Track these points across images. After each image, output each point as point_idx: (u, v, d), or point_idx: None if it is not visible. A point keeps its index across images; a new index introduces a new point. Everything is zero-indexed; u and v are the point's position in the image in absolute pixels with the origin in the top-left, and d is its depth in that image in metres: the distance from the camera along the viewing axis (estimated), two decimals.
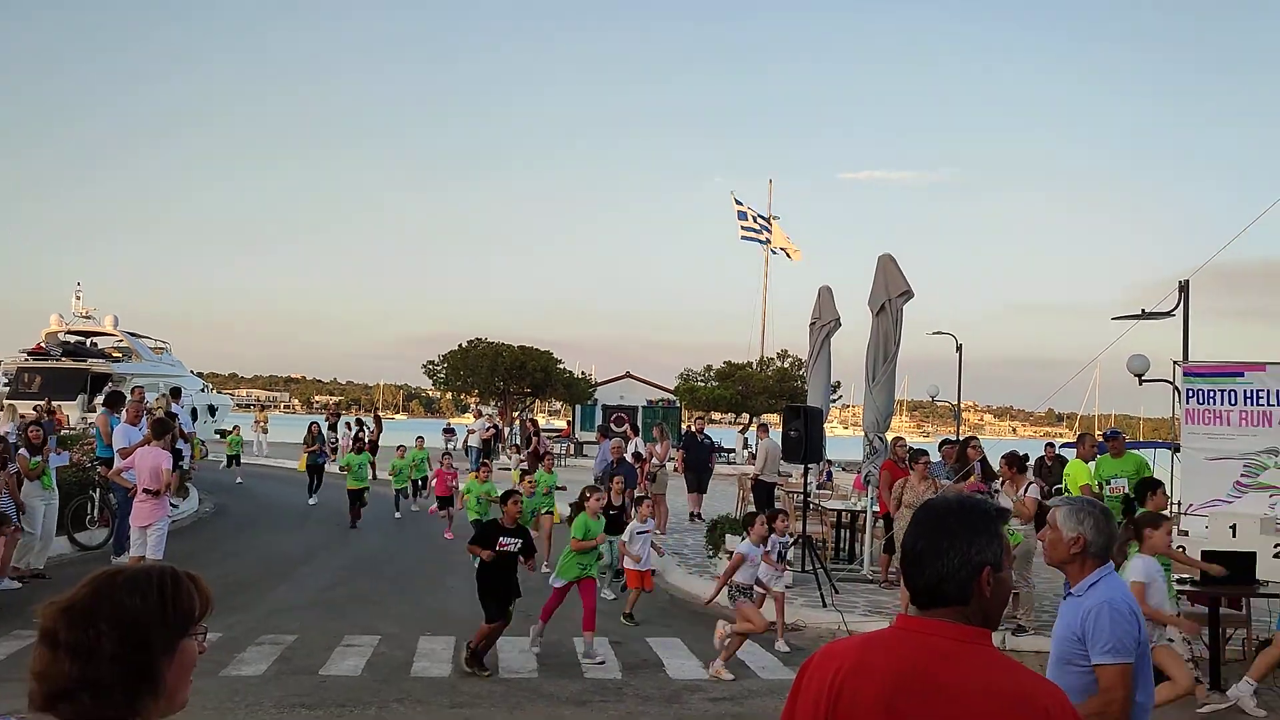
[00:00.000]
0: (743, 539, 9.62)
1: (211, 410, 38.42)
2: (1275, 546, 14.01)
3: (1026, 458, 11.52)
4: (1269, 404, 15.07)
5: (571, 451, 37.48)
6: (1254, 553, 9.23)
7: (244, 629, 9.79)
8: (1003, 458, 11.21)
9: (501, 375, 40.06)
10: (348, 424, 27.44)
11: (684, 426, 43.65)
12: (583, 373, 45.80)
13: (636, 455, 18.37)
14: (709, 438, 19.25)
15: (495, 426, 31.14)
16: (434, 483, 17.84)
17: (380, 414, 29.74)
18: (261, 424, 33.79)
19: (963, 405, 32.58)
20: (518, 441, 29.27)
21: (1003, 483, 11.38)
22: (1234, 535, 13.71)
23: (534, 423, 29.28)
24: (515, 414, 40.69)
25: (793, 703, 2.24)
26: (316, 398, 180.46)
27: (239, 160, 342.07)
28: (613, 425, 37.34)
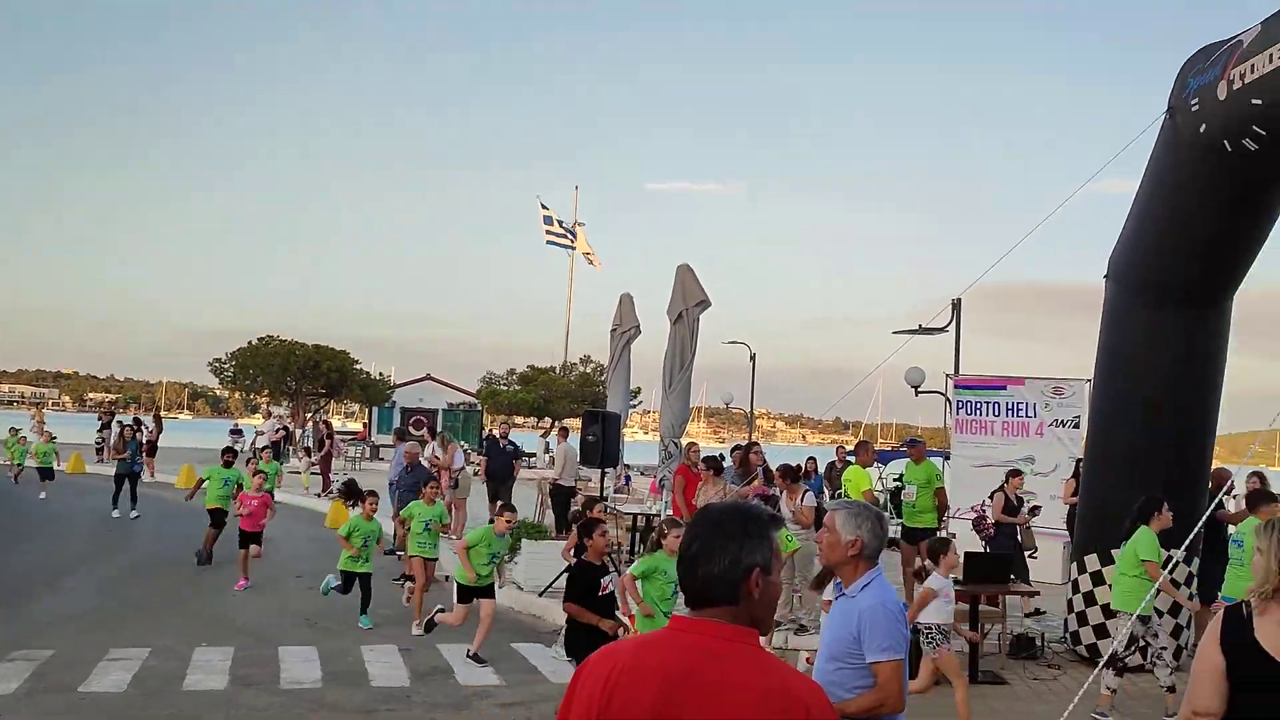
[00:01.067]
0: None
1: None
2: (981, 541, 15.14)
3: (799, 469, 12.03)
4: (1027, 415, 16.33)
5: (367, 455, 36.50)
6: (1009, 554, 9.94)
7: None
8: (778, 470, 11.67)
9: (294, 375, 38.65)
10: (121, 424, 25.73)
11: (485, 430, 43.33)
12: (381, 374, 44.83)
13: (435, 458, 18.10)
14: (513, 443, 18.85)
15: (285, 428, 29.95)
16: (240, 510, 13.09)
17: (161, 414, 28.09)
18: (40, 423, 31.17)
19: (756, 412, 33.73)
20: (309, 444, 28.24)
21: (781, 493, 11.86)
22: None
23: (327, 424, 28.37)
24: (308, 415, 39.29)
25: (568, 702, 2.27)
26: (90, 395, 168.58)
27: None
28: (411, 429, 36.63)
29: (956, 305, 17.38)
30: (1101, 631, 9.55)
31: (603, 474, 13.35)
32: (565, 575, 10.75)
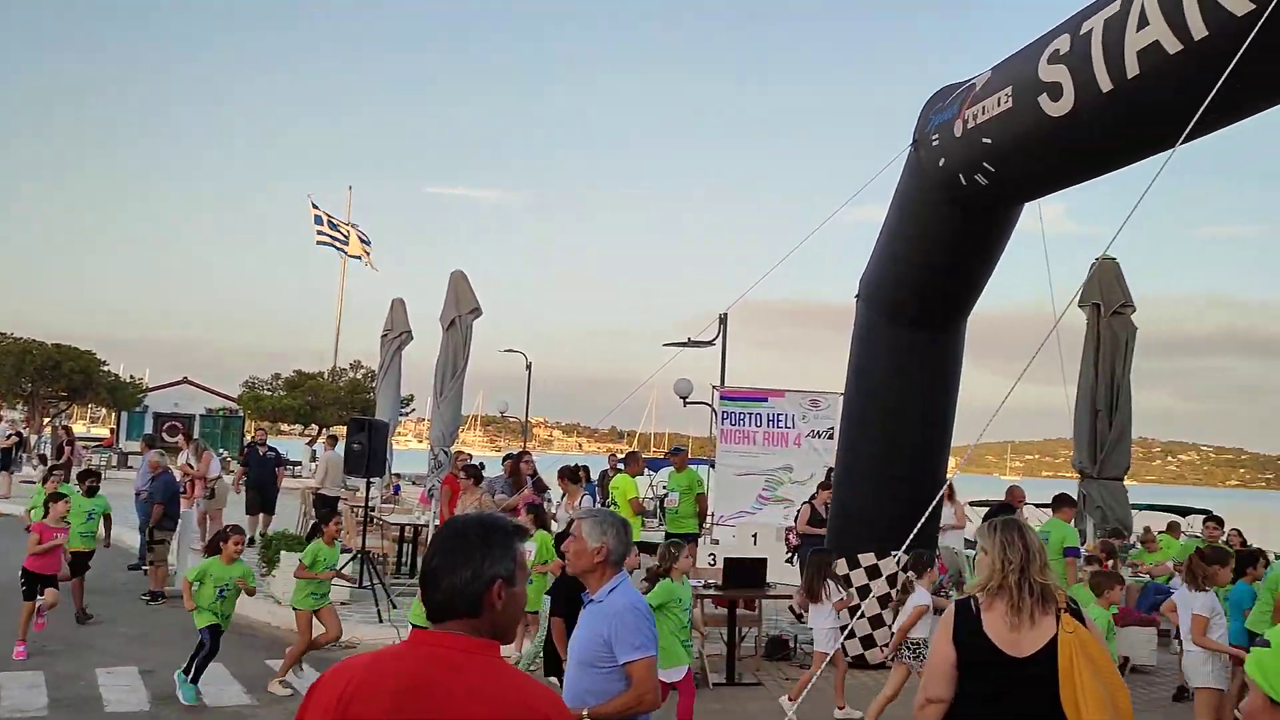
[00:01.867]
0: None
1: None
2: (787, 552, 15.86)
3: (579, 469, 12.16)
4: (787, 426, 17.12)
5: (114, 463, 34.03)
6: (765, 559, 10.37)
7: None
8: (559, 472, 11.81)
9: (30, 375, 35.53)
10: None
11: (248, 437, 41.29)
12: (132, 376, 41.92)
13: (190, 466, 17.08)
14: (274, 450, 17.91)
15: (19, 434, 27.47)
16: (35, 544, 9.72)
17: None
18: None
19: (533, 421, 33.72)
20: (45, 451, 26.04)
21: (563, 496, 11.95)
22: (755, 543, 15.34)
23: (67, 430, 26.26)
24: (47, 420, 36.25)
25: (302, 718, 2.20)
26: None
27: None
28: (164, 435, 34.42)
29: (723, 319, 18.02)
30: (848, 632, 10.12)
31: (368, 484, 12.99)
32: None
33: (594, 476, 20.82)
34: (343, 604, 11.54)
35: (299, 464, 37.59)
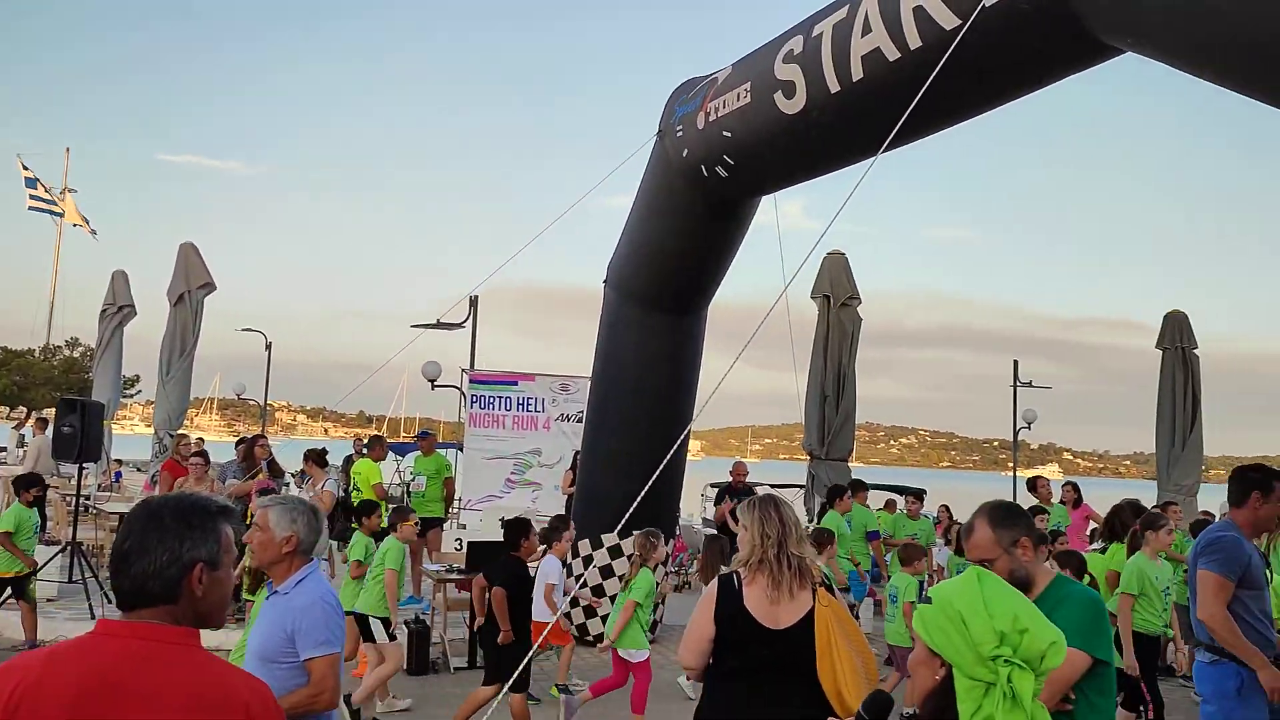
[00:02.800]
0: None
1: None
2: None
3: (324, 452, 11.73)
4: (537, 410, 17.19)
5: None
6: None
7: None
8: (305, 454, 11.36)
9: None
10: None
11: None
12: None
13: None
14: None
15: None
16: None
17: None
18: None
19: (277, 405, 32.17)
20: None
21: (307, 479, 11.47)
22: (502, 527, 15.30)
23: None
24: None
25: None
26: None
27: None
28: None
29: (474, 302, 17.85)
30: (589, 612, 10.29)
31: (80, 470, 11.98)
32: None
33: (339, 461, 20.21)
34: (49, 600, 10.63)
35: (4, 450, 34.19)
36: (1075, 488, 12.31)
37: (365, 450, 13.33)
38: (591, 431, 10.92)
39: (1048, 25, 5.44)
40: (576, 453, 15.15)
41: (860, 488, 11.87)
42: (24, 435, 34.51)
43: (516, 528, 7.37)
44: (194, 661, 2.07)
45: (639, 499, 5.74)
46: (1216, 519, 9.37)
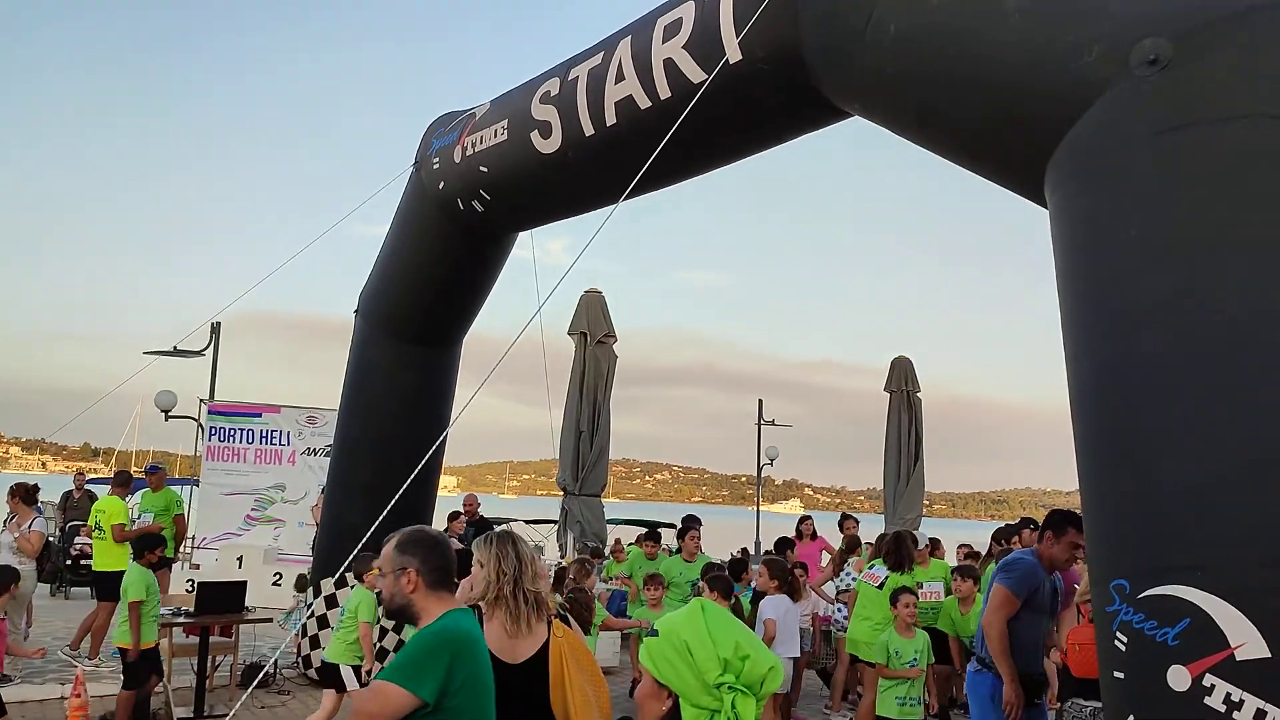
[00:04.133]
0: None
1: None
2: (274, 575, 15.23)
3: (36, 488, 10.75)
4: (281, 443, 16.47)
5: None
6: (245, 581, 9.86)
7: None
8: (10, 490, 10.39)
9: None
10: None
11: None
12: None
13: None
14: None
15: None
16: None
17: None
18: None
19: None
20: None
21: (12, 516, 10.46)
22: (240, 565, 14.56)
23: None
24: None
25: None
26: None
27: None
28: None
29: (215, 328, 16.93)
30: (314, 643, 9.91)
31: None
32: None
33: (54, 498, 18.56)
34: None
35: None
36: (810, 520, 13.06)
37: (107, 486, 12.21)
38: (338, 464, 10.58)
39: (786, 87, 5.81)
40: (323, 487, 14.64)
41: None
42: None
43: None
44: None
45: (372, 530, 5.60)
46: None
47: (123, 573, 9.42)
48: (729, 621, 2.04)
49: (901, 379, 17.13)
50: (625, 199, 6.15)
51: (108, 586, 10.40)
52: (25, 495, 10.51)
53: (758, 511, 25.24)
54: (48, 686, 9.37)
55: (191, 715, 8.75)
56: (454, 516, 14.52)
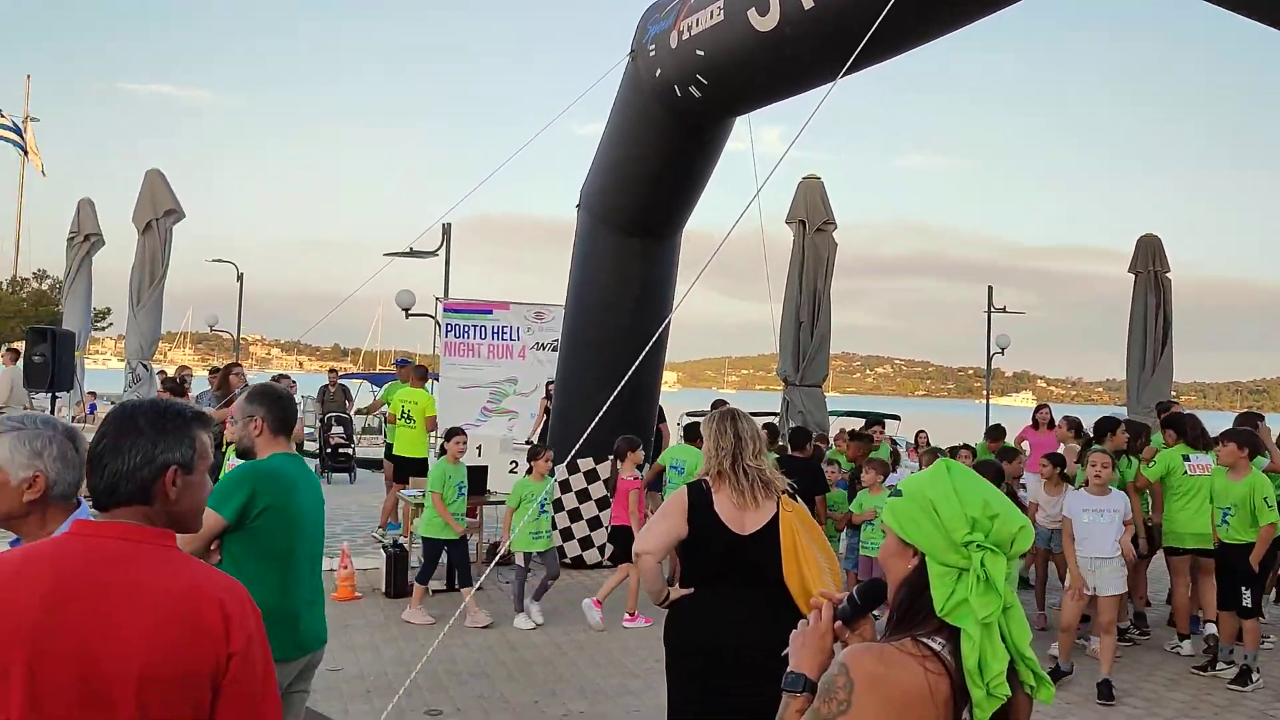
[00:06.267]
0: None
1: None
2: (510, 463, 16.04)
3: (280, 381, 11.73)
4: (511, 339, 17.17)
5: None
6: (486, 466, 10.45)
7: None
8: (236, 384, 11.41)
9: None
10: None
11: None
12: None
13: None
14: None
15: None
16: None
17: None
18: None
19: (253, 339, 31.98)
20: None
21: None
22: (480, 454, 15.40)
23: None
24: None
25: None
26: None
27: None
28: None
29: (446, 230, 17.70)
30: (567, 535, 10.40)
31: (54, 399, 11.91)
32: None
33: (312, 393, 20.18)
34: None
35: None
36: (1048, 409, 12.48)
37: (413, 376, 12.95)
38: (566, 356, 10.94)
39: None
40: (550, 381, 15.20)
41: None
42: None
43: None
44: (169, 560, 2.08)
45: (598, 417, 5.77)
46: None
47: (419, 460, 10.35)
48: (976, 480, 1.97)
49: (1149, 258, 15.96)
50: (847, 73, 5.91)
51: (406, 470, 11.33)
52: (174, 388, 11.36)
53: (987, 404, 24.41)
54: None
55: (444, 587, 9.43)
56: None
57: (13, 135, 39.82)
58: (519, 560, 8.39)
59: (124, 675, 1.92)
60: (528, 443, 13.50)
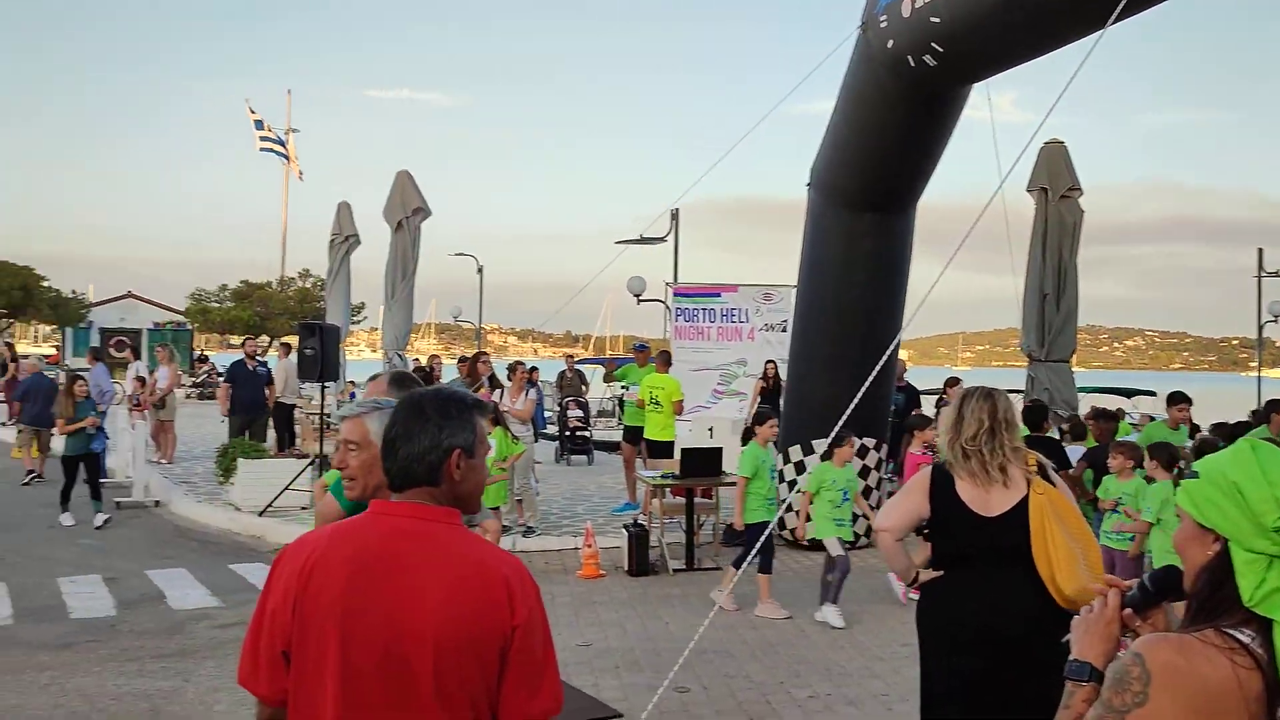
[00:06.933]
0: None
1: None
2: (743, 434, 16.11)
3: (521, 364, 12.22)
4: (740, 321, 17.24)
5: (61, 379, 33.50)
6: (720, 448, 10.52)
7: None
8: (509, 367, 11.91)
9: None
10: None
11: (197, 351, 40.70)
12: (75, 291, 40.93)
13: (140, 380, 16.92)
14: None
15: None
16: None
17: None
18: None
19: (487, 327, 33.53)
20: None
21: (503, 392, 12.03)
22: (711, 435, 15.53)
23: (10, 347, 25.72)
24: None
25: (266, 594, 2.23)
26: None
27: None
28: (112, 350, 33.90)
29: (675, 215, 17.92)
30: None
31: (323, 389, 12.91)
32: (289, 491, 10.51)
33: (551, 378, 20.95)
34: (303, 509, 11.60)
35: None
36: None
37: (653, 362, 13.31)
38: (799, 336, 10.87)
39: None
40: (769, 361, 15.16)
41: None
42: (269, 362, 37.46)
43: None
44: (457, 537, 2.23)
45: (852, 406, 5.68)
46: None
47: (667, 443, 10.64)
48: None
49: None
50: (1115, 20, 5.54)
51: (656, 452, 11.68)
52: (425, 377, 11.86)
53: (1258, 377, 22.46)
54: (563, 538, 10.72)
55: (683, 566, 9.61)
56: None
57: (277, 147, 43.34)
58: (833, 548, 8.12)
59: (422, 643, 2.08)
60: (747, 424, 13.58)
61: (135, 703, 6.04)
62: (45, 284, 37.54)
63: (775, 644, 7.37)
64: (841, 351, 10.22)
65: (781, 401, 14.69)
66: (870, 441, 10.34)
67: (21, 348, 36.71)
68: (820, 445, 10.36)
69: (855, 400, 5.71)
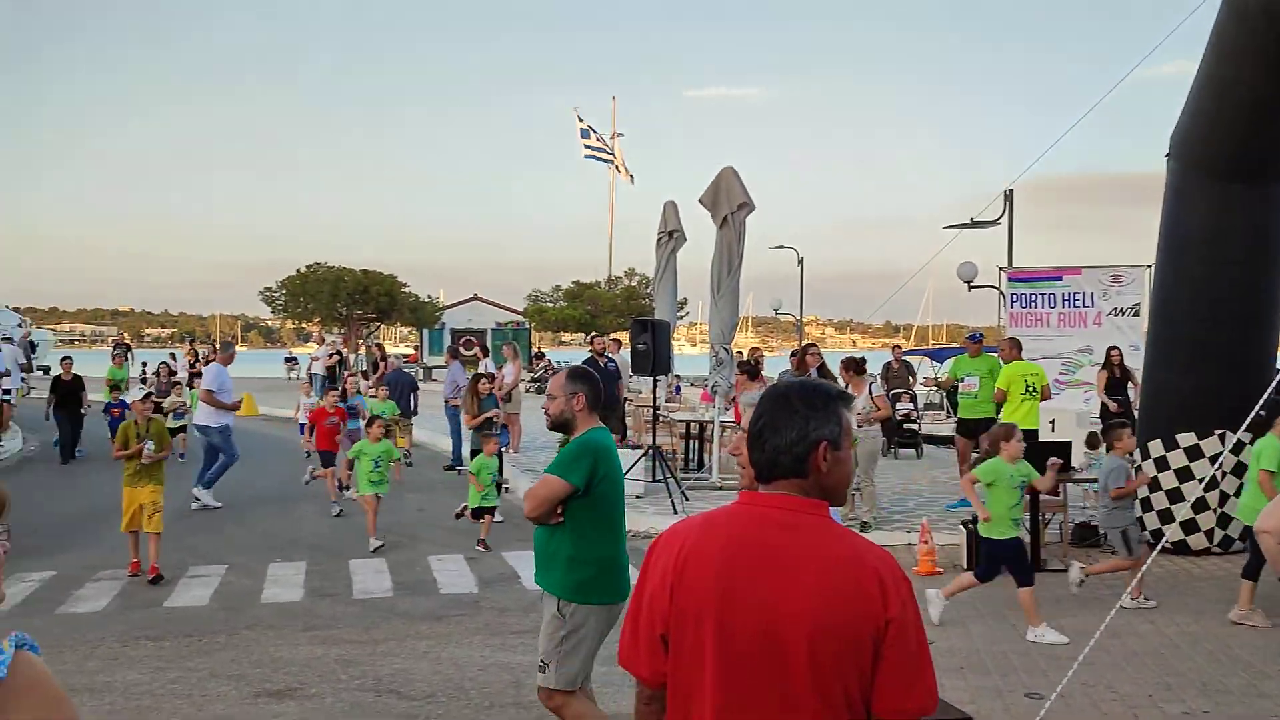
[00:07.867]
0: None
1: (32, 346, 36.26)
2: (1088, 438, 15.03)
3: (864, 361, 11.93)
4: (1085, 305, 16.09)
5: (421, 376, 36.97)
6: (1069, 442, 9.87)
7: (79, 566, 9.41)
8: (842, 363, 11.64)
9: (344, 300, 38.96)
10: (173, 355, 26.21)
11: (534, 348, 43.56)
12: (429, 296, 45.02)
13: (489, 376, 18.28)
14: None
15: (339, 352, 30.35)
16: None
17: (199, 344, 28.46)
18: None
19: (805, 319, 33.46)
20: (364, 368, 28.56)
21: (846, 387, 11.80)
22: (1053, 429, 14.61)
23: (380, 347, 28.67)
24: (360, 340, 39.78)
25: (644, 580, 2.31)
26: (147, 330, 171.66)
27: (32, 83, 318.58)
28: (462, 349, 36.93)
29: (1008, 196, 17.01)
30: (1166, 517, 9.48)
31: (655, 383, 13.37)
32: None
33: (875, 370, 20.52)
34: (637, 498, 12.05)
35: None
36: None
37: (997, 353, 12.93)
38: (1157, 320, 9.97)
39: None
40: (1112, 348, 13.96)
41: None
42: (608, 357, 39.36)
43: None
44: (828, 529, 2.21)
45: (1262, 399, 5.10)
46: None
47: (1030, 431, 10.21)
48: None
49: None
50: None
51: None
52: (856, 368, 11.70)
53: None
54: (895, 534, 10.46)
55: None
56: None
57: (601, 154, 45.42)
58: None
59: (797, 629, 2.07)
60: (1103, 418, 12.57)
61: (499, 674, 6.52)
62: (405, 290, 41.46)
63: (1140, 653, 6.81)
64: (1204, 333, 9.29)
65: (1130, 391, 13.62)
66: (1246, 437, 9.24)
67: (388, 348, 40.84)
68: (1185, 439, 9.45)
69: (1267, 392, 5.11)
